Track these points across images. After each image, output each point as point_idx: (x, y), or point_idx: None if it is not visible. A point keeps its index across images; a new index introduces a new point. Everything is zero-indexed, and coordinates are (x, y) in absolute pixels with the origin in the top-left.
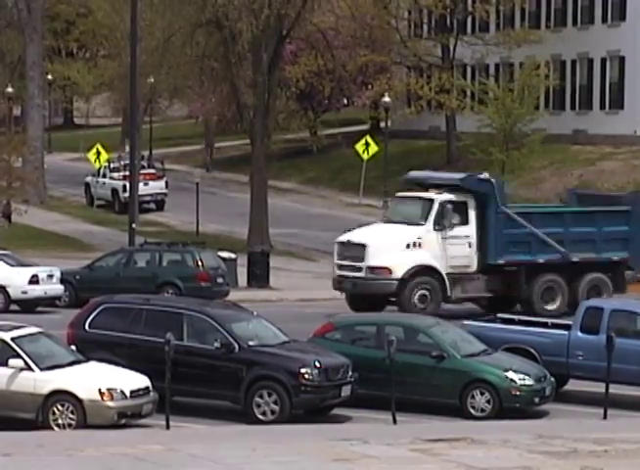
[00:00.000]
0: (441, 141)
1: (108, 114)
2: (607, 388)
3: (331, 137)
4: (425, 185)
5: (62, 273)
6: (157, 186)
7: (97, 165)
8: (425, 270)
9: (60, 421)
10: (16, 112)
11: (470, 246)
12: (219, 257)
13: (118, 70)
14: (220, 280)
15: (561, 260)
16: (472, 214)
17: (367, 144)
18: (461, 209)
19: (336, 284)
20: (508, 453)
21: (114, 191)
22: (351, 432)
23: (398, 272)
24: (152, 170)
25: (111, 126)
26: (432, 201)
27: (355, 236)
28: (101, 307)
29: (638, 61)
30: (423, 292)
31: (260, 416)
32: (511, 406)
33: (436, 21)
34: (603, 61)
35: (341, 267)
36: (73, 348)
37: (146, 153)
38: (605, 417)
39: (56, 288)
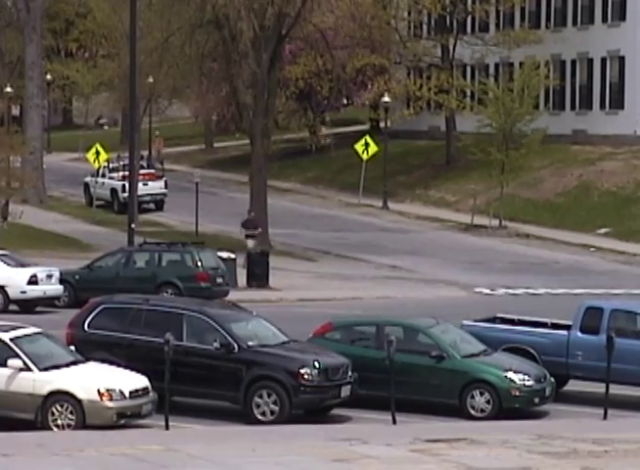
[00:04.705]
0: (441, 141)
1: (107, 114)
2: (607, 388)
3: (330, 137)
4: None
5: (61, 273)
6: (156, 186)
7: (96, 165)
8: None
9: (59, 421)
10: (15, 112)
11: None
12: (219, 257)
13: (118, 70)
14: (220, 280)
15: None
16: None
17: (367, 144)
18: None
19: None
20: (507, 454)
21: (114, 191)
22: (351, 432)
23: None
24: (151, 170)
25: (110, 126)
26: None
27: None
28: (100, 308)
29: (638, 61)
30: None
31: (260, 416)
32: (511, 407)
33: (436, 21)
34: (603, 61)
35: None
36: (73, 348)
37: (145, 153)
38: (605, 417)
39: (55, 288)
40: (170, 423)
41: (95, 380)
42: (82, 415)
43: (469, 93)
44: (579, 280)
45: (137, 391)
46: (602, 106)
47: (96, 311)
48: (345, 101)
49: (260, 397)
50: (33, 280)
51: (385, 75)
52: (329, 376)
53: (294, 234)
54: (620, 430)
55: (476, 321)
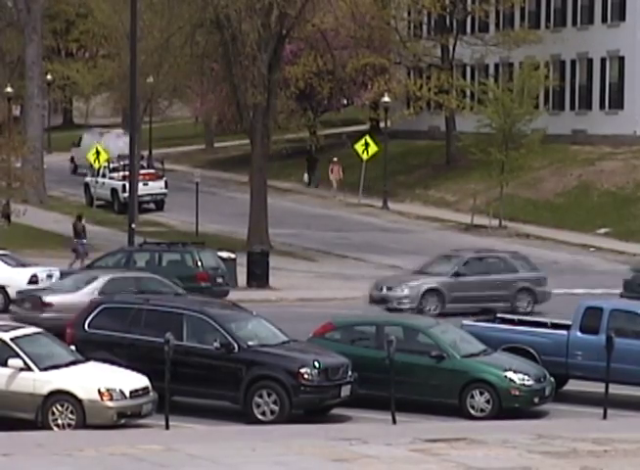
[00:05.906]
0: (441, 141)
1: (107, 114)
2: (606, 388)
3: (331, 137)
4: None
5: (61, 273)
6: (156, 186)
7: (96, 165)
8: None
9: (59, 421)
10: (15, 112)
11: None
12: (219, 256)
13: (118, 70)
14: (220, 280)
15: None
16: None
17: (367, 144)
18: None
19: None
20: (507, 453)
21: (114, 191)
22: (351, 432)
23: None
24: (151, 170)
25: (110, 126)
26: None
27: None
28: (100, 308)
29: (638, 61)
30: None
31: (260, 416)
32: (510, 406)
33: (436, 21)
34: (602, 61)
35: None
36: (73, 348)
37: (146, 153)
38: (604, 417)
39: None
40: (170, 423)
41: (95, 380)
42: (83, 415)
43: (469, 93)
44: (579, 280)
45: (137, 390)
46: (601, 106)
47: (96, 311)
48: (345, 101)
49: (260, 396)
50: (34, 280)
51: (385, 75)
52: (329, 376)
53: (294, 234)
54: (620, 430)
55: (476, 321)
